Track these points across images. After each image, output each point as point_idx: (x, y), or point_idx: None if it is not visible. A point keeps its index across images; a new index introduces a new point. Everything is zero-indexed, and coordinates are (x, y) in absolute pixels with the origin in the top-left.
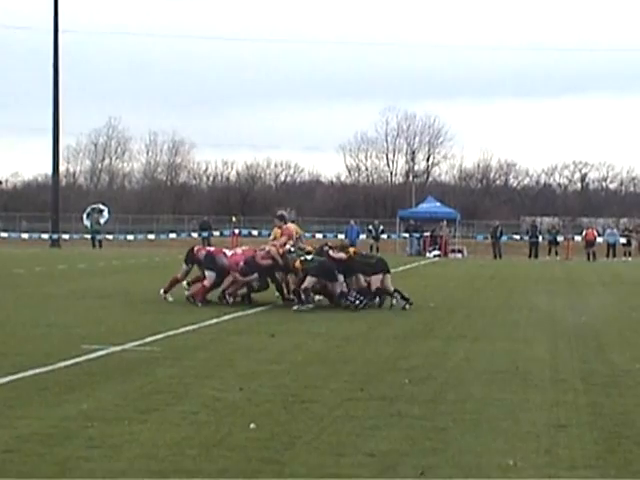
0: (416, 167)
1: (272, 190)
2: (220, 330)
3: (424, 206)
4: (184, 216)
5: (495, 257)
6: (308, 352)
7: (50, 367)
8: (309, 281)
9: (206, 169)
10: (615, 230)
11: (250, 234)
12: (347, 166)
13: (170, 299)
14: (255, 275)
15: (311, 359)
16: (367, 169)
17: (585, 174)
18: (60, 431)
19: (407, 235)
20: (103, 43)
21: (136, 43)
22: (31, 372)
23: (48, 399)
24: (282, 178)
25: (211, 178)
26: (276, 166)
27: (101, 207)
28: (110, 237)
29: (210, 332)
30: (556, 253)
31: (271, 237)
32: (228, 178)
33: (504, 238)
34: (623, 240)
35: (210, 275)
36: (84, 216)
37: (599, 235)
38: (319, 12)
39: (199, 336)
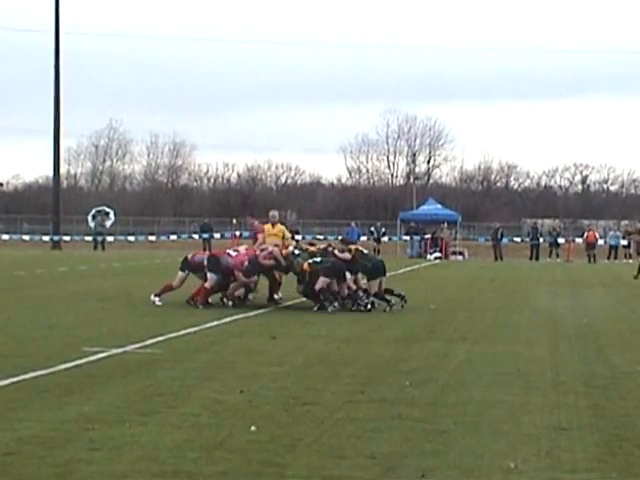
0: (417, 169)
1: (273, 192)
2: (221, 332)
3: (425, 208)
4: (185, 218)
5: (496, 259)
6: (309, 354)
7: (51, 369)
8: (322, 282)
9: (207, 171)
10: (618, 232)
11: (251, 236)
12: (348, 168)
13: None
14: (255, 278)
15: (312, 361)
16: (368, 171)
17: (586, 176)
18: (61, 433)
19: (408, 237)
20: (104, 45)
21: (137, 45)
22: (32, 374)
23: (49, 401)
24: (283, 180)
25: (212, 180)
26: (277, 168)
27: (107, 210)
28: (111, 239)
29: (211, 334)
30: (557, 255)
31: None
32: (229, 180)
33: (505, 240)
34: (624, 242)
35: (211, 277)
36: (89, 218)
37: (600, 237)
38: (320, 14)
39: (200, 338)
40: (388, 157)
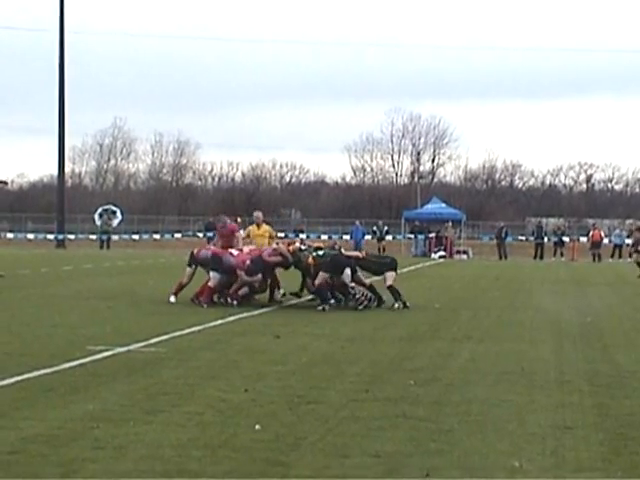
0: (421, 168)
1: (277, 191)
2: (225, 331)
3: (429, 207)
4: (189, 217)
5: (500, 258)
6: (313, 353)
7: (55, 368)
8: (321, 277)
9: (211, 170)
10: (623, 232)
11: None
12: (352, 167)
13: (172, 300)
14: (259, 276)
15: (316, 360)
16: (372, 170)
17: (591, 175)
18: (65, 432)
19: (412, 236)
20: (109, 44)
21: (142, 44)
22: (36, 373)
23: (53, 400)
24: (287, 179)
25: (216, 179)
26: (281, 167)
27: (114, 208)
28: (116, 237)
29: (215, 333)
30: (561, 254)
31: (244, 234)
32: (233, 179)
33: (509, 239)
34: (629, 241)
35: (214, 276)
36: (96, 216)
37: (605, 236)
38: (325, 12)
39: (204, 337)
40: (392, 156)
